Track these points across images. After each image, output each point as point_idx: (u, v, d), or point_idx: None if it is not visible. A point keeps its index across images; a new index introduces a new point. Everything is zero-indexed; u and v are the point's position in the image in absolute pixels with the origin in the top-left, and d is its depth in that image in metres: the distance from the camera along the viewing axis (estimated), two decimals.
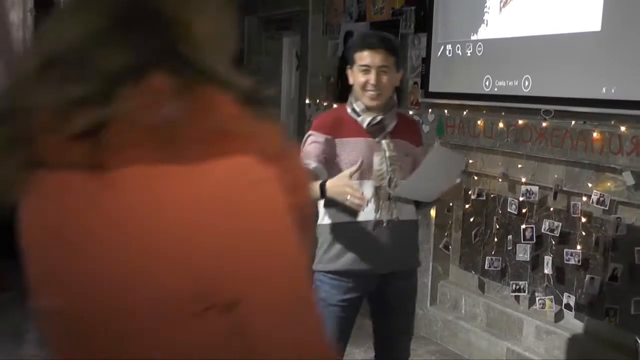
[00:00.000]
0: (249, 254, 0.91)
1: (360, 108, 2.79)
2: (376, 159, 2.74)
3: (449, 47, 4.52)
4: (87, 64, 0.90)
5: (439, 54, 4.60)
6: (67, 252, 0.94)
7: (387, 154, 2.75)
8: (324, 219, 2.80)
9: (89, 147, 0.88)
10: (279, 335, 0.92)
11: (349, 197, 2.50)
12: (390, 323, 2.95)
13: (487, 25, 4.25)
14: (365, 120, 2.77)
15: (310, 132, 2.83)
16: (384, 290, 2.88)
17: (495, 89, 4.18)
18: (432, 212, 4.53)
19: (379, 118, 2.77)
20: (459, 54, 4.44)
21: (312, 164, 2.67)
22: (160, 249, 0.90)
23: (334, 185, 2.56)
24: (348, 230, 2.78)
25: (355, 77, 2.78)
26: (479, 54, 4.29)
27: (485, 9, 4.25)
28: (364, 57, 2.74)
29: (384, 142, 2.77)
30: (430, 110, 4.68)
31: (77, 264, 0.94)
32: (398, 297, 2.91)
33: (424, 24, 4.76)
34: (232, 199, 0.90)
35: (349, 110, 2.82)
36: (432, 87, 4.67)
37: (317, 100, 6.06)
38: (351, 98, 2.84)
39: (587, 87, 3.54)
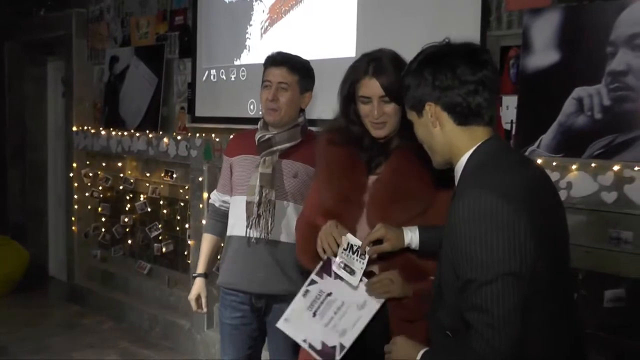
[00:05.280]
0: None
1: (260, 125, 2.80)
2: (253, 175, 2.71)
3: (213, 72, 4.59)
4: None
5: (204, 78, 4.65)
6: None
7: (260, 169, 2.69)
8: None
9: None
10: None
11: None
12: (270, 350, 2.82)
13: (249, 50, 4.36)
14: (257, 136, 2.76)
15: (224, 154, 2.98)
16: (263, 313, 2.77)
17: (260, 113, 4.24)
18: None
19: (267, 135, 2.73)
20: (223, 78, 4.52)
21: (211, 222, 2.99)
22: None
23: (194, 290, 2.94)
24: (229, 244, 2.79)
25: (260, 94, 2.79)
26: (243, 79, 4.39)
27: (247, 35, 4.37)
28: (266, 73, 2.76)
29: (261, 159, 2.71)
30: (197, 134, 4.70)
31: None
32: (273, 321, 2.62)
33: (189, 49, 4.80)
34: None
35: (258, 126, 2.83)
36: (199, 112, 4.71)
37: (85, 127, 5.88)
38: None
39: None
